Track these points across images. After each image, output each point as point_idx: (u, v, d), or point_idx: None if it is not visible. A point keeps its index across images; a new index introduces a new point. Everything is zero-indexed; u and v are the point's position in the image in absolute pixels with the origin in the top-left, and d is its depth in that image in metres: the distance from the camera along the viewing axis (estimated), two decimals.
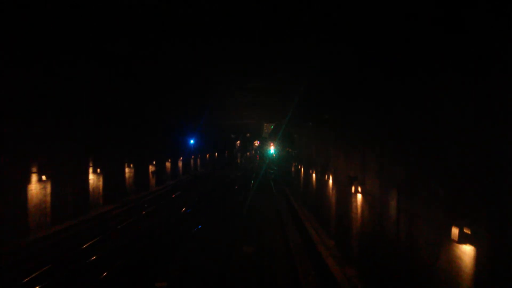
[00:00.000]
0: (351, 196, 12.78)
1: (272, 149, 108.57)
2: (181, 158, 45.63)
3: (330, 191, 16.90)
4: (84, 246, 15.35)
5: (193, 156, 52.68)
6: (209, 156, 67.17)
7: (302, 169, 26.93)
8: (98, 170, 22.84)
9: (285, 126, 42.93)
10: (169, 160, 39.53)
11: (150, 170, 33.37)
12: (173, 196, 30.28)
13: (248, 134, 55.29)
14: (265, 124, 44.07)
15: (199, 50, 11.68)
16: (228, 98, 23.56)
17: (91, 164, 22.30)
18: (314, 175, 22.17)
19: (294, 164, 32.95)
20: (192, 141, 51.70)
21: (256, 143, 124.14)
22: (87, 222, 19.57)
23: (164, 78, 16.39)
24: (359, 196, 11.84)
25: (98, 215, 21.14)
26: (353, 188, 12.31)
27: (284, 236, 17.87)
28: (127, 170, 27.95)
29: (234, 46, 11.13)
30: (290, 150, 48.85)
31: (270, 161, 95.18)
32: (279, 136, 77.03)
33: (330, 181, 16.90)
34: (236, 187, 38.27)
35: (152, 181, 33.96)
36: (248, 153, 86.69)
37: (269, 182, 42.79)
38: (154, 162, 33.81)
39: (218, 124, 50.92)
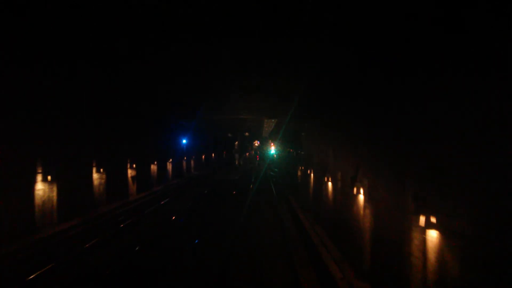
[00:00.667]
0: (411, 230, 7.59)
1: (272, 149, 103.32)
2: (171, 160, 40.41)
3: (362, 211, 11.71)
4: None
5: (185, 158, 47.48)
6: (204, 157, 61.95)
7: (312, 175, 21.74)
8: (49, 177, 17.61)
9: (286, 124, 38.00)
10: (156, 162, 34.31)
11: (129, 175, 28.16)
12: (151, 209, 25.07)
13: (246, 133, 50.09)
14: (265, 122, 38.87)
15: (199, 50, 11.56)
16: (225, 96, 21.25)
17: (39, 170, 17.09)
18: (330, 184, 16.98)
19: (300, 168, 27.71)
20: (184, 141, 46.59)
21: (256, 143, 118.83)
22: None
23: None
24: (432, 234, 6.64)
25: (36, 242, 15.58)
26: (421, 220, 7.10)
27: (292, 270, 12.66)
28: (96, 176, 22.73)
29: (234, 46, 11.11)
30: (293, 151, 43.81)
31: (270, 162, 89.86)
32: (280, 136, 72.08)
33: (361, 197, 11.70)
34: (234, 192, 33.15)
35: (133, 187, 28.74)
36: (247, 154, 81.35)
37: (270, 186, 37.63)
38: (134, 166, 28.58)
39: (214, 122, 45.92)
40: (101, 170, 23.16)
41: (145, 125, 31.00)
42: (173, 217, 21.38)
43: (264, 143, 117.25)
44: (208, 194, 31.59)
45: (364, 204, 11.46)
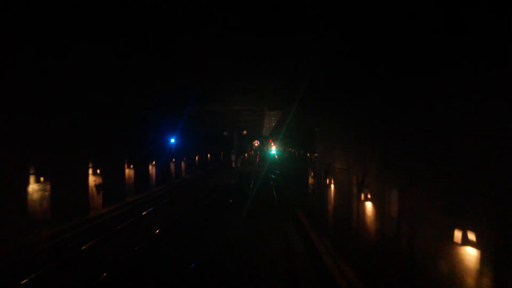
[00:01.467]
0: None
1: (273, 149, 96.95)
2: (155, 163, 34.15)
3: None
4: None
5: (174, 160, 41.22)
6: (198, 158, 55.69)
7: (334, 186, 15.49)
8: None
9: (291, 117, 32.26)
10: (132, 165, 28.06)
11: (92, 183, 21.94)
12: (119, 227, 18.79)
13: (244, 132, 43.85)
14: (266, 116, 32.77)
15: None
16: (220, 79, 18.29)
17: None
18: (370, 205, 10.78)
19: (313, 174, 21.42)
20: (173, 140, 40.39)
21: (256, 143, 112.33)
22: None
23: None
24: None
25: None
26: None
27: None
28: (35, 186, 16.50)
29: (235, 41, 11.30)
30: (303, 152, 37.68)
31: (271, 163, 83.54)
32: (282, 134, 66.10)
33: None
34: (230, 200, 27.09)
35: (97, 200, 22.47)
36: (246, 154, 75.07)
37: (272, 192, 31.46)
38: (98, 171, 22.32)
39: (207, 117, 39.87)
40: (42, 179, 16.90)
41: (119, 121, 24.78)
42: (137, 248, 15.10)
43: (264, 142, 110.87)
44: (196, 207, 25.32)
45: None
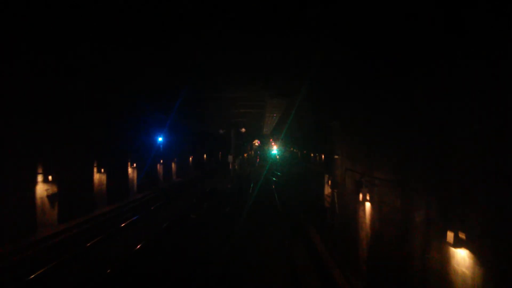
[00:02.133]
0: None
1: (274, 149, 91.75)
2: (136, 165, 29.04)
3: None
4: None
5: (162, 161, 36.10)
6: (193, 159, 50.55)
7: (369, 205, 10.42)
8: None
9: (297, 108, 27.40)
10: (104, 169, 22.97)
11: (46, 193, 16.86)
12: (63, 259, 13.64)
13: (243, 129, 38.73)
14: (267, 108, 27.79)
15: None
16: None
17: None
18: (464, 253, 5.67)
19: (331, 182, 16.20)
20: (160, 139, 35.32)
21: (257, 142, 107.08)
22: None
23: None
24: None
25: None
26: None
27: None
28: None
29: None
30: (313, 155, 32.86)
31: (273, 163, 78.36)
32: (285, 131, 61.22)
33: None
34: (224, 212, 22.11)
35: (51, 215, 17.38)
36: (245, 154, 69.96)
37: (274, 200, 26.49)
38: (51, 178, 17.19)
39: (200, 112, 34.93)
40: None
41: (85, 115, 19.69)
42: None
43: (265, 142, 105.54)
44: (178, 226, 20.20)
45: None
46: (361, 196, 10.91)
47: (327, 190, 17.04)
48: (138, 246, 14.93)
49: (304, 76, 14.94)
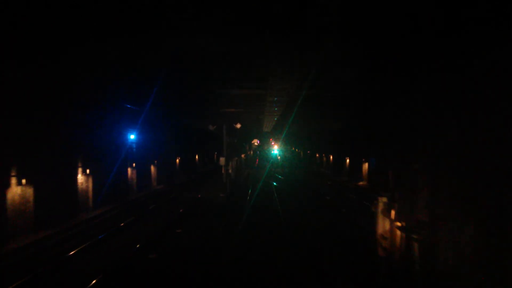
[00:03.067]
0: None
1: (275, 149, 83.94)
2: (90, 171, 21.37)
3: None
4: None
5: (135, 165, 28.43)
6: (180, 161, 42.87)
7: None
8: None
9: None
10: (26, 180, 15.30)
11: None
12: None
13: (238, 125, 31.09)
14: (268, 103, 20.31)
15: None
16: None
17: None
18: None
19: (397, 209, 8.53)
20: (133, 137, 27.85)
21: (256, 142, 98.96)
22: None
23: None
24: None
25: None
26: None
27: None
28: None
29: None
30: (341, 158, 25.92)
31: (273, 164, 70.56)
32: (285, 133, 53.81)
33: None
34: (207, 245, 14.47)
35: None
36: (243, 155, 62.26)
37: (279, 221, 18.98)
38: None
39: (185, 105, 27.75)
40: None
41: None
42: None
43: (265, 141, 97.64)
44: (131, 269, 12.54)
45: None
46: None
47: (383, 224, 9.39)
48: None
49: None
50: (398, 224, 8.25)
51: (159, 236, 16.38)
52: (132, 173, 27.75)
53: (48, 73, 14.99)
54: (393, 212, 8.58)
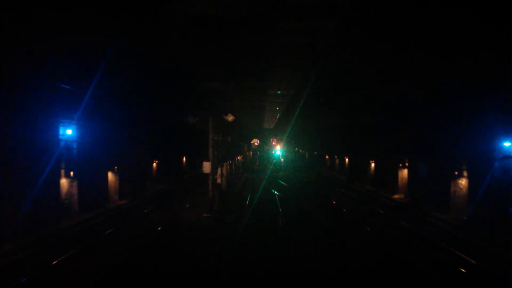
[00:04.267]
0: None
1: (278, 150, 74.58)
2: None
3: None
4: None
5: (73, 173, 19.36)
6: (158, 165, 33.80)
7: None
8: None
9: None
10: None
11: None
12: None
13: (230, 117, 21.90)
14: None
15: None
16: None
17: None
18: None
19: None
20: (70, 132, 18.96)
21: (256, 142, 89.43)
22: None
23: None
24: None
25: None
26: None
27: None
28: None
29: None
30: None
31: (277, 167, 61.11)
32: (289, 130, 46.55)
33: None
34: None
35: None
36: (240, 157, 53.17)
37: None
38: None
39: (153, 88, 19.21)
40: None
41: None
42: None
43: (265, 141, 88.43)
44: None
45: None
46: None
47: None
48: None
49: None
50: None
51: None
52: (67, 185, 18.70)
53: None
54: None
